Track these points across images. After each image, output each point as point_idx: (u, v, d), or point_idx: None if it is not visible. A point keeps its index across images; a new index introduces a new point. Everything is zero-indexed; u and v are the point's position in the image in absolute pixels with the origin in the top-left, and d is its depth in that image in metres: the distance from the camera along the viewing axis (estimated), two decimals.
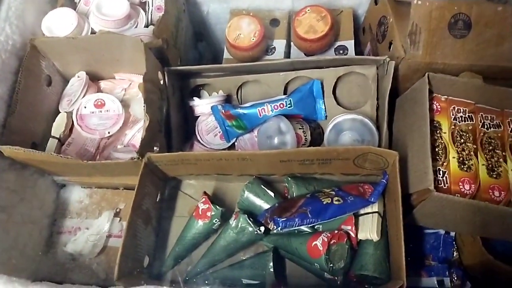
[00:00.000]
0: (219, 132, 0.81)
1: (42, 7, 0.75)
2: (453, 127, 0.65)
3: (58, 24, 0.73)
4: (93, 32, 0.75)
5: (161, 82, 0.72)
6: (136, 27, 0.77)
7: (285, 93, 0.80)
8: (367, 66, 0.75)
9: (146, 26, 0.78)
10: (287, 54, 0.89)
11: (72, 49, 0.72)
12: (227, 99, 0.83)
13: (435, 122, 0.65)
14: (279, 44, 0.89)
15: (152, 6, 0.78)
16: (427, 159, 0.59)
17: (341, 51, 0.86)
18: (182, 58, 0.85)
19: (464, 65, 0.67)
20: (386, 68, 0.69)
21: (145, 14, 0.78)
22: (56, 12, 0.74)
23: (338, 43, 0.86)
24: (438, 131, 0.65)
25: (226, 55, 0.89)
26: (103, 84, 0.78)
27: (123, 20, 0.74)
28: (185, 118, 0.83)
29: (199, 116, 0.82)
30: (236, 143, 0.82)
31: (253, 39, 0.82)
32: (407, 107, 0.71)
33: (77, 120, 0.72)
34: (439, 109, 0.67)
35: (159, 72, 0.72)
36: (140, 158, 0.63)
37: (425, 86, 0.64)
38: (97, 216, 0.75)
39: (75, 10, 0.77)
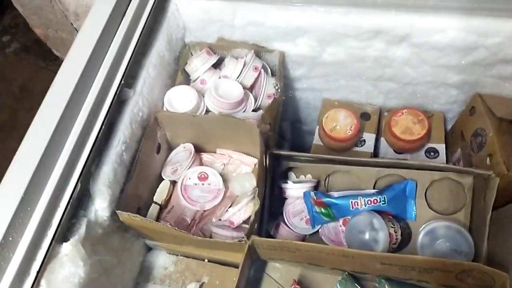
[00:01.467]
0: (305, 217, 0.83)
1: (165, 81, 0.82)
2: None
3: (178, 99, 0.80)
4: (207, 110, 0.81)
5: (264, 164, 0.76)
6: (244, 111, 0.82)
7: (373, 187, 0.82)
8: (464, 174, 0.77)
9: (255, 110, 0.84)
10: (376, 148, 0.92)
11: (188, 123, 0.77)
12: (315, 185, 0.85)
13: None
14: (369, 137, 0.92)
15: (264, 92, 0.84)
16: None
17: (431, 153, 0.88)
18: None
19: None
20: (489, 182, 0.70)
21: (255, 99, 0.84)
22: (177, 89, 0.81)
23: (429, 145, 0.89)
24: None
25: (316, 140, 0.93)
26: (205, 157, 0.83)
27: (237, 103, 0.80)
28: (273, 198, 0.85)
29: (287, 198, 0.85)
30: (320, 230, 0.83)
31: (349, 132, 0.86)
32: (505, 222, 0.71)
33: (181, 190, 0.75)
34: None
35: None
36: (246, 240, 0.64)
37: None
38: (180, 286, 0.76)
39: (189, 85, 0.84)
